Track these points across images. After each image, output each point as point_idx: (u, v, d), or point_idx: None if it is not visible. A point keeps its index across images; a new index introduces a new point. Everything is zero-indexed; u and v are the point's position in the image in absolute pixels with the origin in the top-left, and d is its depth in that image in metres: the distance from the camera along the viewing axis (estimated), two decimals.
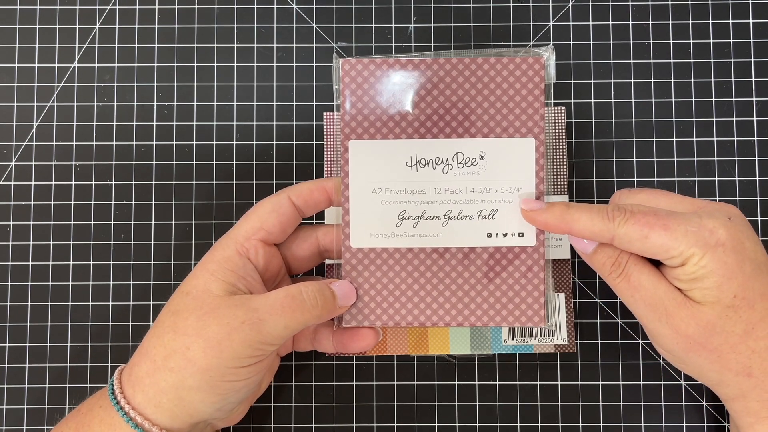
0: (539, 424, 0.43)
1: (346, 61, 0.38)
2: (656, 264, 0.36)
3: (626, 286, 0.36)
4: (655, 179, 0.44)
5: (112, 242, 0.45)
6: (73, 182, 0.45)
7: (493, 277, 0.38)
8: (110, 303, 0.44)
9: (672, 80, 0.45)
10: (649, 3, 0.45)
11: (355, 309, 0.38)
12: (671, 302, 0.34)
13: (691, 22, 0.45)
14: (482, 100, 0.38)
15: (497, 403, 0.43)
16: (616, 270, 0.36)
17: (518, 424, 0.43)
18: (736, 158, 0.44)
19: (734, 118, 0.45)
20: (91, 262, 0.44)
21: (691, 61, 0.45)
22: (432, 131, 0.38)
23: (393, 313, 0.38)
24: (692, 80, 0.45)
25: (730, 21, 0.45)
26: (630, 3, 0.46)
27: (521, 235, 0.38)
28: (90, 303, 0.44)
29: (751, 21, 0.45)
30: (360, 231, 0.38)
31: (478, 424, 0.43)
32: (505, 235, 0.38)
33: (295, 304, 0.35)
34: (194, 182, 0.45)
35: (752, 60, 0.45)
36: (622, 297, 0.36)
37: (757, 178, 0.44)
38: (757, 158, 0.44)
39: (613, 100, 0.45)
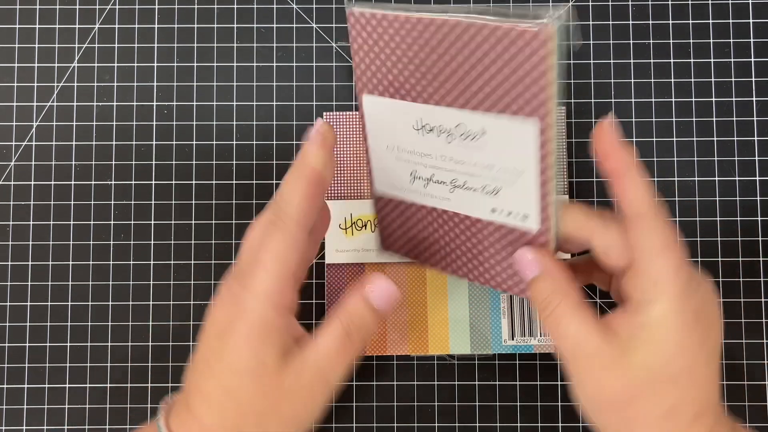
0: (539, 424, 0.43)
1: (351, 13, 0.35)
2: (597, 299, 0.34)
3: (553, 332, 0.33)
4: (655, 179, 0.44)
5: (111, 242, 0.45)
6: (72, 182, 0.45)
7: (499, 249, 0.37)
8: (110, 303, 0.44)
9: (672, 80, 0.45)
10: (649, 3, 0.45)
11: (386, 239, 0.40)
12: (599, 361, 0.31)
13: (691, 22, 0.45)
14: (483, 71, 0.34)
15: (497, 403, 0.43)
16: (544, 311, 0.33)
17: (518, 424, 0.43)
18: (736, 158, 0.44)
19: (734, 118, 0.45)
20: (91, 262, 0.44)
21: (691, 61, 0.45)
22: (434, 97, 0.35)
23: (414, 249, 0.40)
24: (692, 80, 0.45)
25: (730, 21, 0.45)
26: (630, 3, 0.46)
27: (525, 216, 0.36)
28: (90, 303, 0.44)
29: (751, 21, 0.45)
30: (381, 179, 0.38)
31: (478, 424, 0.43)
32: (509, 213, 0.36)
33: (348, 348, 0.33)
34: (194, 182, 0.45)
35: (752, 60, 0.45)
36: (549, 334, 0.34)
37: (757, 178, 0.44)
38: (757, 158, 0.44)
39: (613, 100, 0.45)
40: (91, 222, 0.45)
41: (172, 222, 0.45)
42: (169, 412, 0.34)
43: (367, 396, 0.43)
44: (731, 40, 0.45)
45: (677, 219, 0.44)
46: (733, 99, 0.45)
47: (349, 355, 0.34)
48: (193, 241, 0.45)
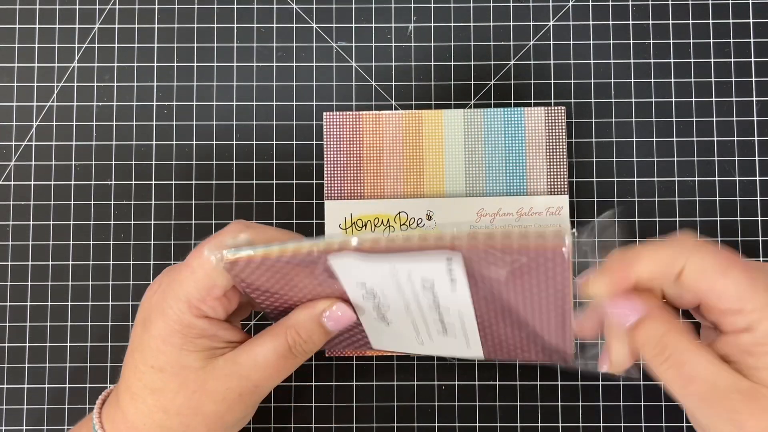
0: (539, 424, 0.43)
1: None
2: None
3: (676, 376, 0.28)
4: (655, 179, 0.44)
5: (111, 242, 0.45)
6: (72, 182, 0.45)
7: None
8: (110, 303, 0.44)
9: (672, 80, 0.45)
10: (649, 3, 0.45)
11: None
12: (737, 395, 0.27)
13: (691, 21, 0.45)
14: None
15: (497, 403, 0.43)
16: (660, 355, 0.29)
17: (518, 424, 0.43)
18: (736, 158, 0.44)
19: (734, 118, 0.45)
20: (91, 262, 0.44)
21: (691, 60, 0.45)
22: None
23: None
24: (692, 80, 0.45)
25: (731, 21, 0.45)
26: (630, 3, 0.46)
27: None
28: (89, 303, 0.44)
29: (751, 21, 0.45)
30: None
31: (478, 425, 0.43)
32: None
33: (288, 364, 0.34)
34: (194, 182, 0.45)
35: (752, 60, 0.45)
36: (670, 387, 0.29)
37: (758, 178, 0.44)
38: (757, 158, 0.44)
39: (613, 100, 0.45)
40: (91, 222, 0.45)
41: (172, 222, 0.45)
42: (101, 407, 0.35)
43: (367, 396, 0.43)
44: (731, 40, 0.45)
45: (677, 219, 0.44)
46: (733, 99, 0.45)
47: (287, 370, 0.34)
48: (192, 241, 0.45)
